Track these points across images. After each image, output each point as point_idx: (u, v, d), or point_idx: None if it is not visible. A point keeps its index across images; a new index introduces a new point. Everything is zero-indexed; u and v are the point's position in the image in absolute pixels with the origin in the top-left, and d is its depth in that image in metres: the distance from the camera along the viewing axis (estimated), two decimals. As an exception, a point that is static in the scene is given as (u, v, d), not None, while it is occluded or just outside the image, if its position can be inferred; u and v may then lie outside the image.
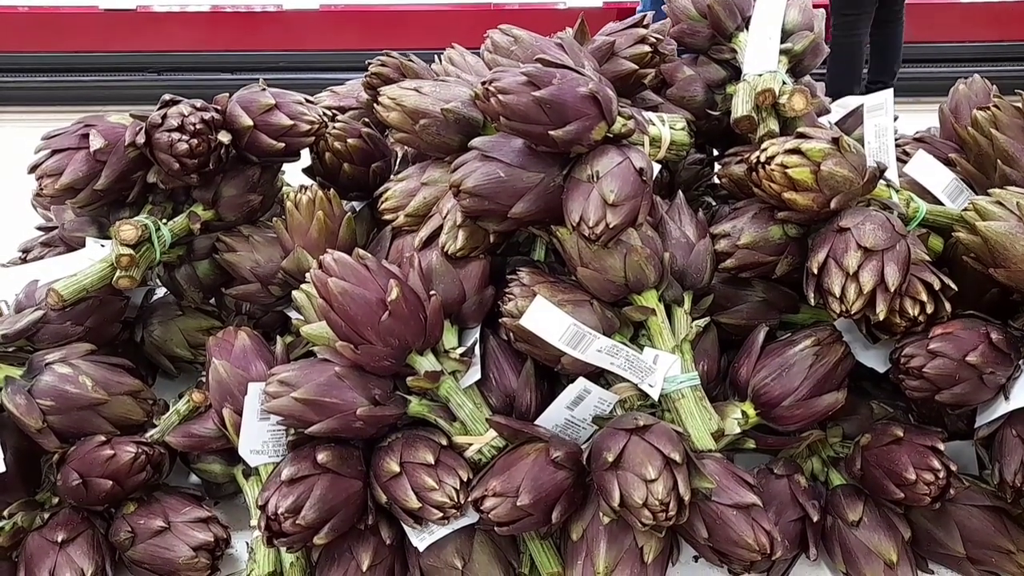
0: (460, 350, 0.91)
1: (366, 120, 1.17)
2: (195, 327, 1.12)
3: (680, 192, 1.03)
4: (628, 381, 0.92)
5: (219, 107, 1.03)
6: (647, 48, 1.02)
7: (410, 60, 1.24)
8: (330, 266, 0.83)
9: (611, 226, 0.82)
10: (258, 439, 0.91)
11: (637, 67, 1.02)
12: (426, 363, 0.87)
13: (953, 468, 0.84)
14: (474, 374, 0.92)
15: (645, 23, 1.06)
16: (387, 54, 1.24)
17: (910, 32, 3.56)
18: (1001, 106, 1.03)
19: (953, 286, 0.92)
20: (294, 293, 0.96)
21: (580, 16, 1.05)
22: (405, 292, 0.84)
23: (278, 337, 0.98)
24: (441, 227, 0.96)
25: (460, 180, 0.89)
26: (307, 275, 0.90)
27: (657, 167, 0.93)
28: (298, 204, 1.00)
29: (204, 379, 0.97)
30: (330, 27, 4.03)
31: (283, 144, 1.01)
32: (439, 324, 0.88)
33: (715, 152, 1.24)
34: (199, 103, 1.01)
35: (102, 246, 1.03)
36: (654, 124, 0.97)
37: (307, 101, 1.04)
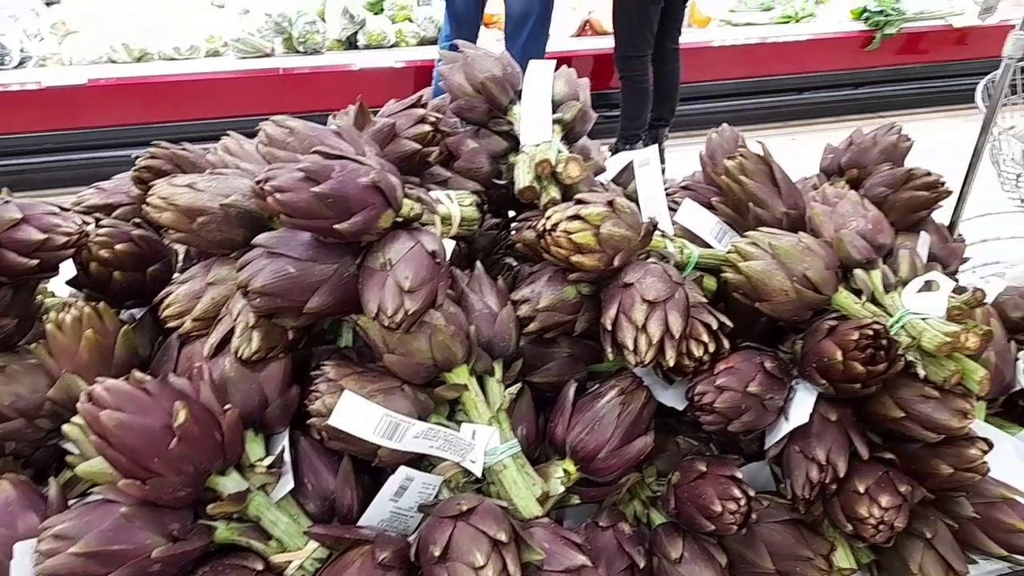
0: (268, 461, 0.85)
1: (137, 220, 1.08)
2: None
3: (479, 263, 1.05)
4: (450, 460, 0.91)
5: (-48, 224, 0.90)
6: (428, 127, 1.03)
7: (184, 149, 1.16)
8: (101, 397, 0.74)
9: (410, 313, 0.82)
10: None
11: (420, 146, 1.03)
12: (229, 483, 0.81)
13: (752, 493, 0.91)
14: (286, 484, 0.86)
15: (423, 102, 1.08)
16: (158, 144, 1.15)
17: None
18: (746, 155, 1.16)
19: (729, 323, 1.01)
20: (64, 428, 0.85)
21: (359, 99, 1.05)
22: (195, 412, 0.77)
23: (51, 479, 0.86)
24: (233, 330, 0.90)
25: (248, 280, 0.84)
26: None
27: (451, 244, 0.95)
28: (61, 325, 0.90)
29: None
30: (102, 103, 3.72)
31: (37, 260, 0.90)
32: (239, 438, 0.82)
33: (512, 213, 1.28)
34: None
35: None
36: (443, 203, 0.98)
37: (62, 210, 0.94)
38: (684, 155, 4.16)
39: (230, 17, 4.11)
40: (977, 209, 1.95)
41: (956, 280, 1.30)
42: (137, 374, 0.79)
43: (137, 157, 1.12)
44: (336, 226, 0.80)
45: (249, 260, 0.86)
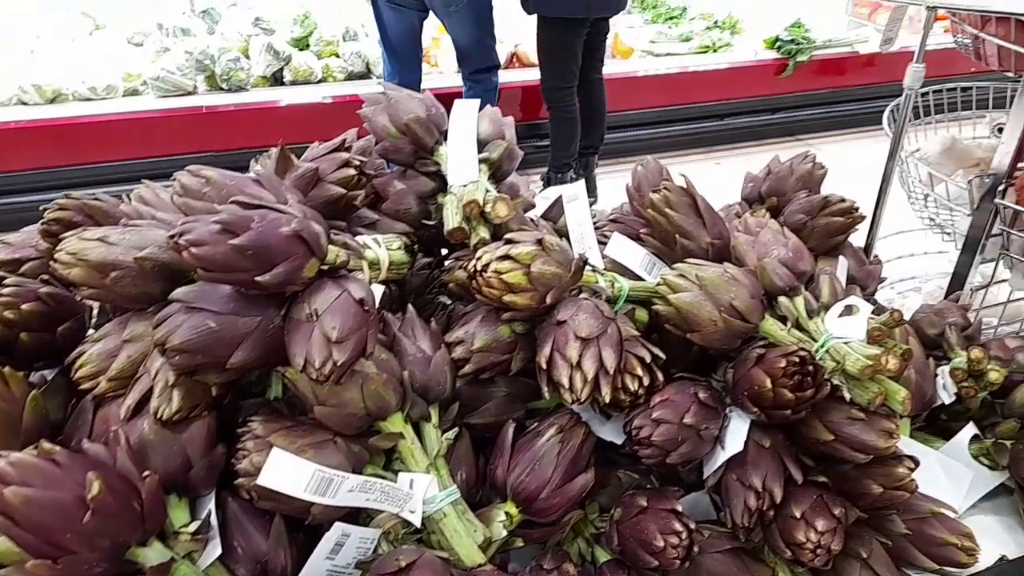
0: (193, 526, 0.81)
1: (46, 276, 1.02)
2: None
3: (411, 305, 1.03)
4: (388, 512, 0.88)
5: None
6: (352, 171, 1.02)
7: (96, 199, 1.11)
8: (5, 472, 0.69)
9: (339, 364, 0.79)
10: None
11: (345, 191, 1.01)
12: (152, 554, 0.76)
13: (692, 526, 0.91)
14: (215, 549, 0.82)
15: (347, 145, 1.06)
16: (68, 195, 1.10)
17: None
18: (671, 188, 1.18)
19: (661, 355, 1.02)
20: (-33, 507, 0.78)
21: (280, 143, 1.02)
22: (110, 481, 0.72)
23: (-48, 564, 0.80)
24: (152, 389, 0.85)
25: (165, 337, 0.81)
26: (-19, 482, 0.74)
27: (380, 289, 0.93)
28: (-39, 394, 0.84)
29: None
30: (13, 147, 3.56)
31: (-69, 325, 0.84)
32: (160, 505, 0.78)
33: (444, 250, 1.27)
34: None
35: None
36: (371, 247, 0.96)
37: (-40, 270, 0.88)
38: (614, 182, 4.25)
39: (148, 55, 4.01)
40: (892, 227, 2.05)
41: (875, 299, 1.35)
42: (46, 444, 0.74)
43: (45, 209, 1.06)
44: (258, 278, 0.77)
45: (167, 316, 0.82)
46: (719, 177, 4.40)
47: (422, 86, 3.74)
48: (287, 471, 0.80)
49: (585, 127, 3.93)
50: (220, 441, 0.88)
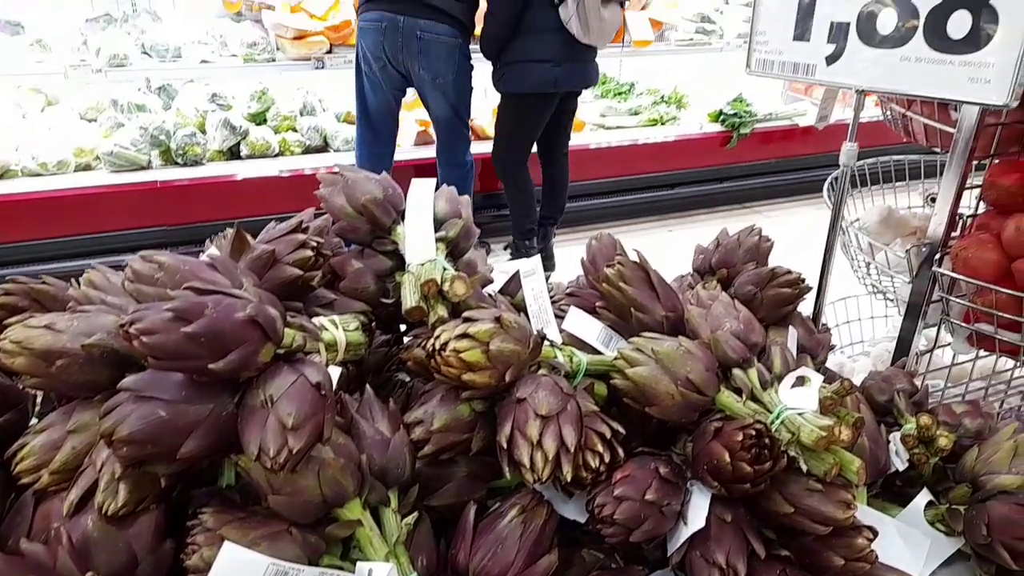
0: (138, 630, 0.77)
1: (-15, 365, 0.98)
2: None
3: (368, 386, 1.02)
4: (345, 604, 0.85)
5: None
6: (309, 252, 1.02)
7: (43, 283, 1.09)
8: (-66, 582, 0.65)
9: (295, 451, 0.78)
10: None
11: (302, 272, 1.01)
12: (91, 664, 0.72)
13: (658, 606, 0.90)
14: (160, 654, 0.77)
15: (304, 226, 1.07)
16: (13, 280, 1.08)
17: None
18: (624, 263, 1.21)
19: (622, 430, 1.02)
20: None
21: (236, 226, 1.02)
22: (49, 587, 0.69)
23: None
24: (97, 483, 0.82)
25: (112, 428, 0.78)
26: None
27: (337, 371, 0.92)
28: None
29: None
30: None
31: None
32: (103, 610, 0.74)
33: (403, 327, 1.27)
34: None
35: None
36: (327, 329, 0.96)
37: None
38: (571, 250, 4.33)
39: (102, 131, 3.99)
40: (839, 292, 2.12)
41: (826, 367, 1.39)
42: (-22, 549, 0.70)
43: (-11, 295, 1.04)
44: (211, 366, 0.76)
45: (114, 406, 0.80)
46: (672, 243, 4.52)
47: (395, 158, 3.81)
48: (239, 566, 0.77)
49: (546, 199, 4.00)
50: (169, 535, 0.84)
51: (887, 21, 1.18)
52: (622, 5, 3.41)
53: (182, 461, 0.80)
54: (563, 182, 4.01)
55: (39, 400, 1.04)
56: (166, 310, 0.75)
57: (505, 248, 4.08)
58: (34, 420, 1.00)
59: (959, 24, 1.09)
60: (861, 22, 1.22)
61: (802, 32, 1.30)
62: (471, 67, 3.55)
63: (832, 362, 2.04)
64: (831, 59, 1.27)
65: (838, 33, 1.25)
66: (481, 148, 4.34)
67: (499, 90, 3.64)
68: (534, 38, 3.38)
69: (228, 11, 4.35)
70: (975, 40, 1.07)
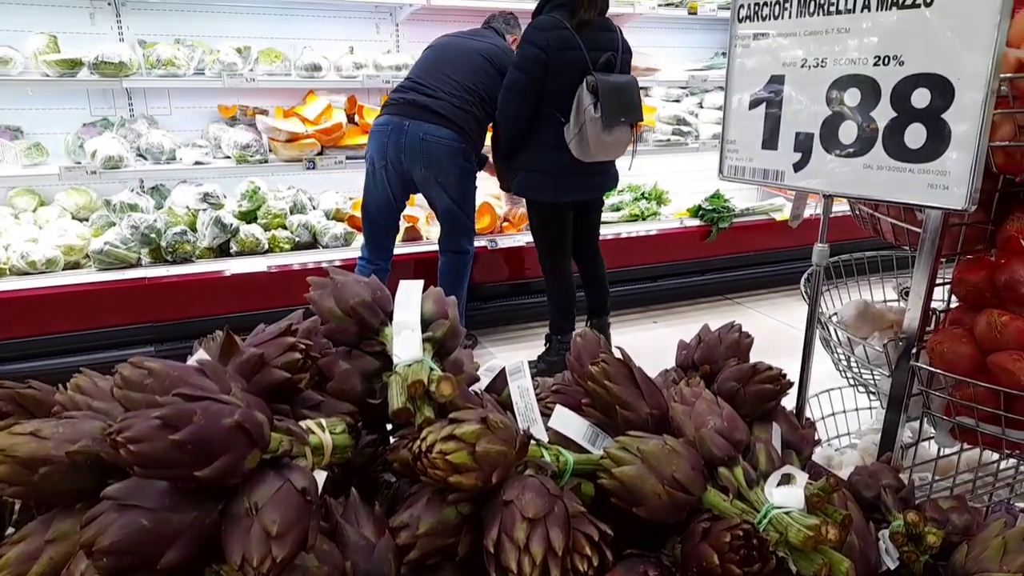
0: None
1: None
2: None
3: (354, 489, 1.01)
4: None
5: None
6: (298, 355, 1.03)
7: (29, 387, 1.09)
8: None
9: (279, 561, 0.77)
10: None
11: (291, 375, 1.02)
12: None
13: None
14: None
15: (292, 328, 1.09)
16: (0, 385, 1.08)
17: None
18: (608, 360, 1.23)
19: (610, 531, 1.01)
20: None
21: (227, 331, 1.04)
22: None
23: None
24: (73, 596, 0.80)
25: (93, 538, 0.77)
26: None
27: (323, 475, 0.92)
28: None
29: None
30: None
31: None
32: None
33: (389, 426, 1.27)
34: None
35: None
36: (314, 432, 0.96)
37: None
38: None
39: (93, 230, 4.05)
40: (823, 383, 2.14)
41: (813, 462, 1.39)
42: (-53, 671, 0.68)
43: (-26, 401, 1.03)
44: (197, 473, 0.76)
45: (96, 515, 0.79)
46: (657, 334, 4.55)
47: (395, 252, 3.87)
48: None
49: (588, 295, 3.96)
50: (144, 652, 0.81)
51: (848, 132, 1.26)
52: (632, 126, 3.46)
53: (162, 572, 0.79)
54: (598, 275, 3.98)
55: (16, 508, 1.02)
56: (154, 417, 0.76)
57: (546, 338, 4.02)
58: (11, 530, 0.98)
59: (915, 136, 1.16)
60: (824, 133, 1.30)
61: (770, 141, 1.38)
62: (475, 171, 3.68)
63: (819, 455, 2.04)
64: (798, 166, 1.35)
65: (803, 142, 1.33)
66: (479, 241, 4.44)
67: (514, 193, 3.74)
68: (539, 151, 3.48)
69: (223, 116, 4.50)
70: (931, 151, 1.15)
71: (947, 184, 1.14)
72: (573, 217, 3.74)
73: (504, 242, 4.53)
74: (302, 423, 0.96)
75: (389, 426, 1.26)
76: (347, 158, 4.32)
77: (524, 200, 3.85)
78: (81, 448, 0.87)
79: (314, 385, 1.15)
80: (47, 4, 4.09)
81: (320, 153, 4.31)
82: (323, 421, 0.98)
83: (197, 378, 0.87)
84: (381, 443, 1.23)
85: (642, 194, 5.39)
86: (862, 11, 1.20)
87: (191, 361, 1.01)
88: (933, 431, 1.63)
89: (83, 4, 4.14)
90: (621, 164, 3.85)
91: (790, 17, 1.30)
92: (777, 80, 1.37)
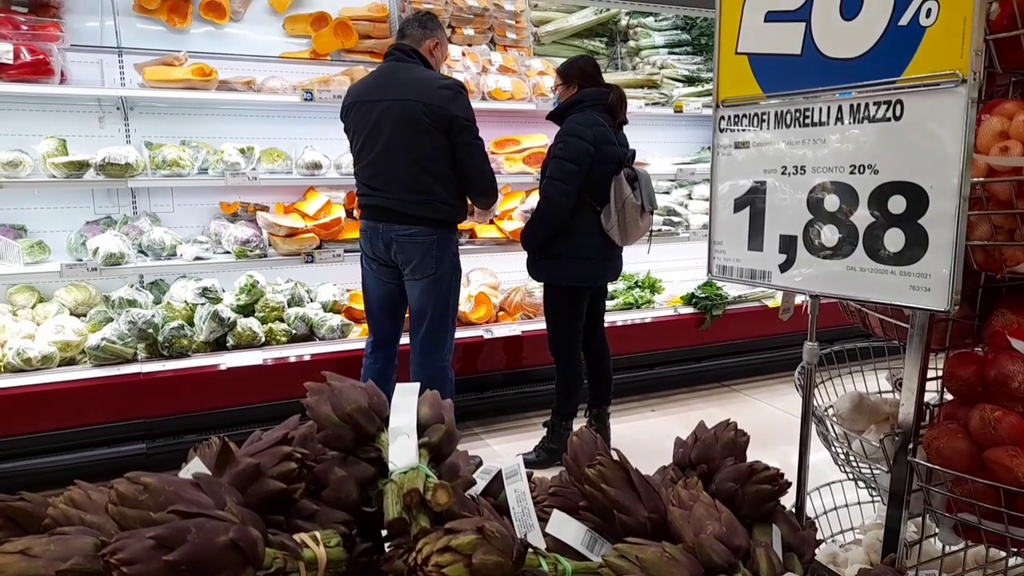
0: None
1: (-47, 593, 0.95)
2: None
3: (348, 605, 0.99)
4: None
5: None
6: (293, 464, 1.03)
7: (21, 499, 1.08)
8: None
9: None
10: None
11: (286, 485, 1.02)
12: None
13: None
14: None
15: (289, 437, 1.09)
16: (-10, 496, 1.07)
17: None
18: (605, 463, 1.23)
19: (610, 646, 0.99)
20: None
21: (222, 440, 1.04)
22: None
23: None
24: None
25: (80, 665, 0.75)
26: None
27: (316, 591, 0.90)
28: None
29: None
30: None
31: None
32: None
33: (384, 532, 1.25)
34: None
35: None
36: (308, 546, 0.95)
37: None
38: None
39: (89, 325, 4.07)
40: (823, 477, 2.12)
41: (816, 562, 1.36)
42: None
43: (-35, 515, 1.02)
44: (190, 595, 0.75)
45: (85, 639, 0.77)
46: (655, 423, 4.51)
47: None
48: None
49: (591, 382, 4.02)
50: None
51: (830, 235, 1.30)
52: (651, 213, 3.81)
53: None
54: (605, 360, 4.05)
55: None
56: (148, 538, 0.75)
57: (543, 426, 4.04)
58: (-7, 653, 0.95)
59: (894, 240, 1.21)
60: (807, 235, 1.35)
61: (755, 242, 1.43)
62: (454, 261, 3.62)
63: (823, 552, 2.00)
64: (784, 266, 1.39)
65: (788, 244, 1.38)
66: (463, 332, 4.46)
67: (537, 280, 3.86)
68: (576, 239, 3.70)
69: (225, 212, 4.61)
70: (910, 254, 1.19)
71: (928, 286, 1.18)
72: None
73: (500, 331, 4.55)
74: (296, 536, 0.95)
75: (384, 531, 1.25)
76: (345, 251, 4.39)
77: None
78: (72, 566, 0.86)
79: (309, 493, 1.14)
80: (59, 110, 4.25)
81: (319, 247, 4.38)
82: (317, 534, 0.98)
83: (192, 492, 0.87)
84: (376, 551, 1.21)
85: (636, 283, 5.46)
86: (836, 123, 1.27)
87: (185, 472, 1.01)
88: (936, 528, 1.60)
89: (93, 109, 4.31)
90: (639, 249, 4.11)
91: (769, 128, 1.37)
92: (760, 185, 1.43)
